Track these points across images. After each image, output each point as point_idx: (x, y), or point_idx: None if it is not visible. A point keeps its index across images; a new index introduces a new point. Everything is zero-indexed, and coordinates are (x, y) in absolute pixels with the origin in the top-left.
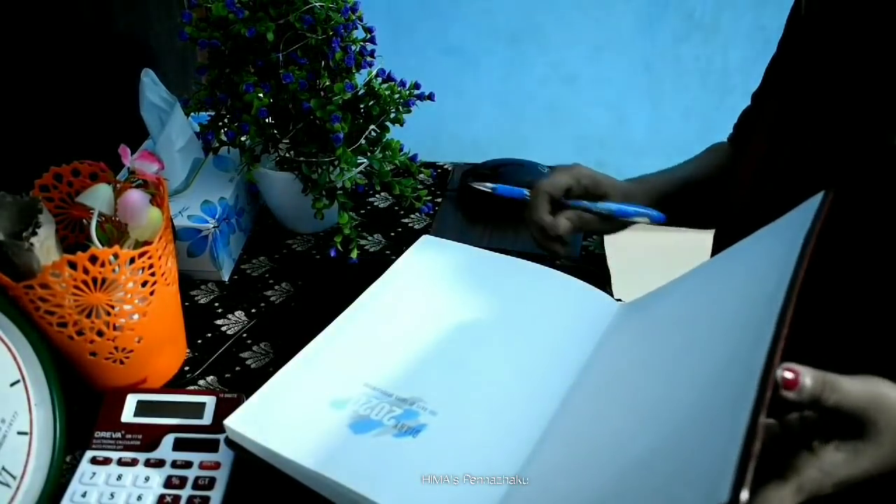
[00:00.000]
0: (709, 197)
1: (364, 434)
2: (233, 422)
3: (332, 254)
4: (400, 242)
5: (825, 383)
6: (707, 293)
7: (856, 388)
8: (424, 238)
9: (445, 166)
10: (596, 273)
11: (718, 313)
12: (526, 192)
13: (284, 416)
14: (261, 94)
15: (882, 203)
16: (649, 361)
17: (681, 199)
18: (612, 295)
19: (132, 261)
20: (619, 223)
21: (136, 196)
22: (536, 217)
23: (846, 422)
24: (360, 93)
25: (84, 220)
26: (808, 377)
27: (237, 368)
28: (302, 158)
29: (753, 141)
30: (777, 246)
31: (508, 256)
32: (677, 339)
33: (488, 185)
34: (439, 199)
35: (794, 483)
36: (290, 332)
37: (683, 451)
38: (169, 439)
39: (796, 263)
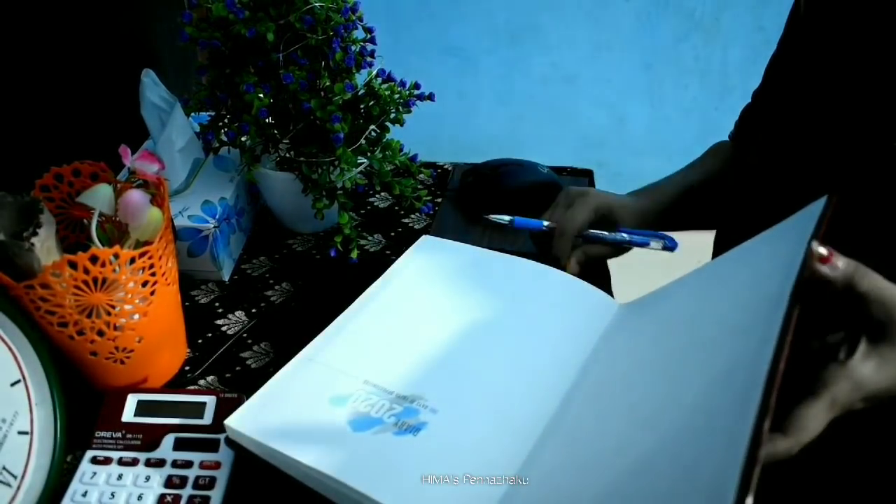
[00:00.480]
0: (713, 200)
1: (364, 432)
2: (233, 421)
3: (332, 254)
4: (400, 242)
5: (857, 267)
6: (709, 295)
7: (886, 284)
8: (424, 238)
9: (445, 166)
10: (596, 273)
11: (721, 315)
12: (544, 223)
13: (284, 414)
14: (261, 95)
15: (885, 204)
16: (651, 362)
17: (687, 204)
18: (612, 295)
19: (132, 261)
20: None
21: (136, 196)
22: (560, 260)
23: (872, 323)
24: (360, 93)
25: (84, 220)
26: (841, 259)
27: (237, 368)
28: (302, 158)
29: (755, 141)
30: (780, 249)
31: (509, 255)
32: (680, 341)
33: (505, 217)
34: (439, 199)
35: (827, 397)
36: (290, 332)
37: (686, 454)
38: (169, 439)
39: (800, 267)
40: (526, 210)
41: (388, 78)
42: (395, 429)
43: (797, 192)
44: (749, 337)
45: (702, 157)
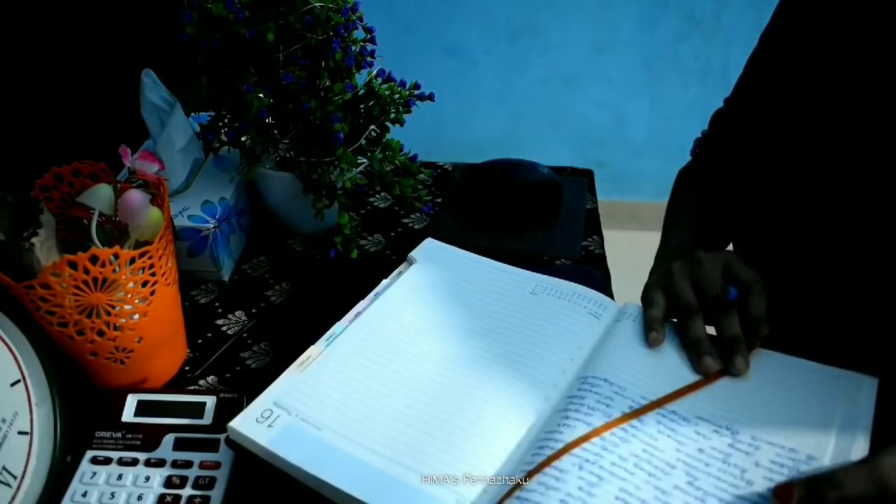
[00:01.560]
0: (719, 225)
1: None
2: (237, 423)
3: (332, 254)
4: (400, 242)
5: (820, 483)
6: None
7: (859, 477)
8: (428, 241)
9: (445, 166)
10: (596, 273)
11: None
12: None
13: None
14: (261, 95)
15: (888, 213)
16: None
17: (703, 242)
18: (611, 296)
19: (132, 261)
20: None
21: (136, 196)
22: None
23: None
24: (360, 93)
25: (84, 220)
26: (798, 488)
27: (237, 368)
28: (302, 159)
29: (734, 144)
30: (832, 417)
31: (507, 268)
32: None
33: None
34: (439, 199)
35: None
36: (290, 332)
37: None
38: (169, 439)
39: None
40: (526, 210)
41: (388, 78)
42: None
43: (808, 197)
44: None
45: (680, 192)
